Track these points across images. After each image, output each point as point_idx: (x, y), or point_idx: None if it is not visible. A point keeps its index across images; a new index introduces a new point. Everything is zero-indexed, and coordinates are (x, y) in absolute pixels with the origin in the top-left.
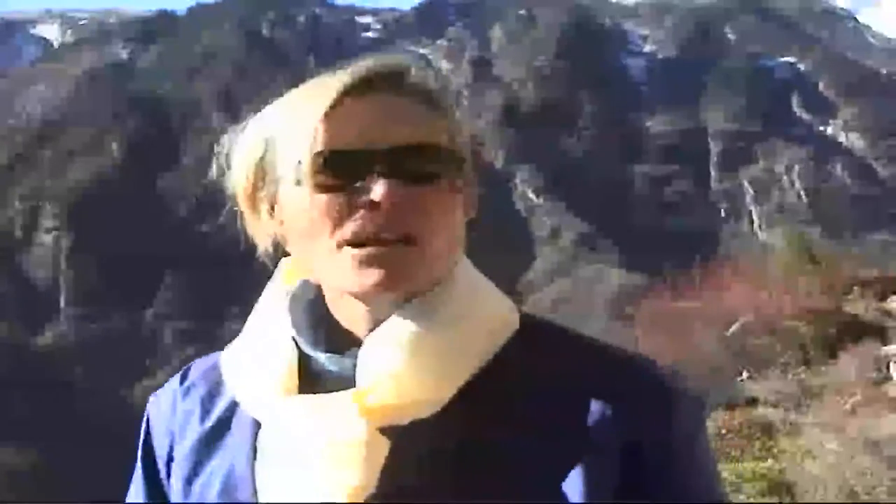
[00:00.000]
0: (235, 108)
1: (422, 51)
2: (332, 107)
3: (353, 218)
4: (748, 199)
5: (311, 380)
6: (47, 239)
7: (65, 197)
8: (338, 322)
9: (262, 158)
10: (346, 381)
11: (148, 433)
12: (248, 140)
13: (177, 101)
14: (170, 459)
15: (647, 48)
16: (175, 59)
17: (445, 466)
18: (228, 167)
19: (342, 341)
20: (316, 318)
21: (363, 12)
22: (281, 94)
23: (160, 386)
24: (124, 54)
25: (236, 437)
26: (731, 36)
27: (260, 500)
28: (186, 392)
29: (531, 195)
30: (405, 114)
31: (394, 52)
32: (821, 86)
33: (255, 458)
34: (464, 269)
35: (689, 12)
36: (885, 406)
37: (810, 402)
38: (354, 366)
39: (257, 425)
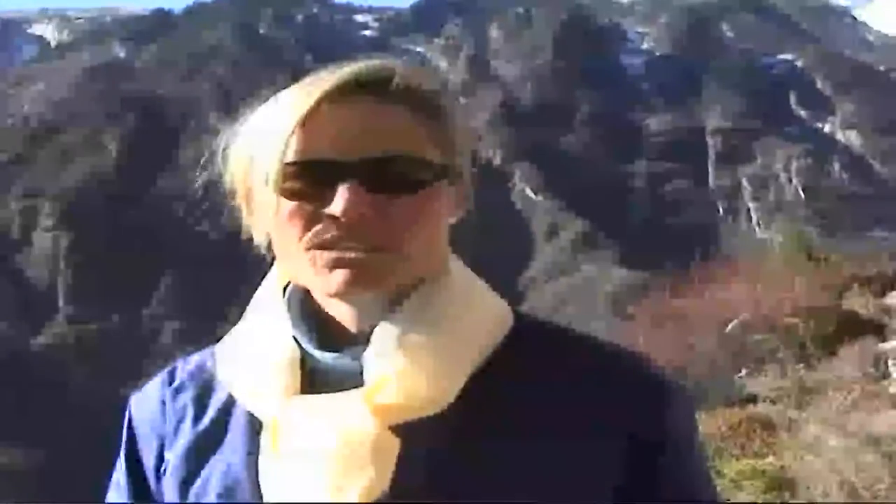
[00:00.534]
0: (233, 106)
1: (419, 49)
2: (311, 112)
3: (318, 227)
4: (746, 196)
5: (310, 377)
6: (45, 238)
7: (62, 196)
8: (329, 320)
9: (248, 159)
10: (346, 379)
11: (132, 436)
12: (237, 140)
13: (174, 100)
14: (160, 463)
15: (645, 46)
16: (172, 58)
17: (447, 465)
18: (224, 166)
19: (337, 339)
20: (309, 315)
21: (360, 11)
22: (278, 93)
23: None
24: (121, 53)
25: (233, 438)
26: (728, 33)
27: (266, 500)
28: (175, 393)
29: (529, 193)
30: (384, 121)
31: (391, 50)
32: (818, 83)
33: (255, 457)
34: (457, 269)
35: (685, 10)
36: (885, 402)
37: (810, 398)
38: (354, 363)
39: (255, 424)
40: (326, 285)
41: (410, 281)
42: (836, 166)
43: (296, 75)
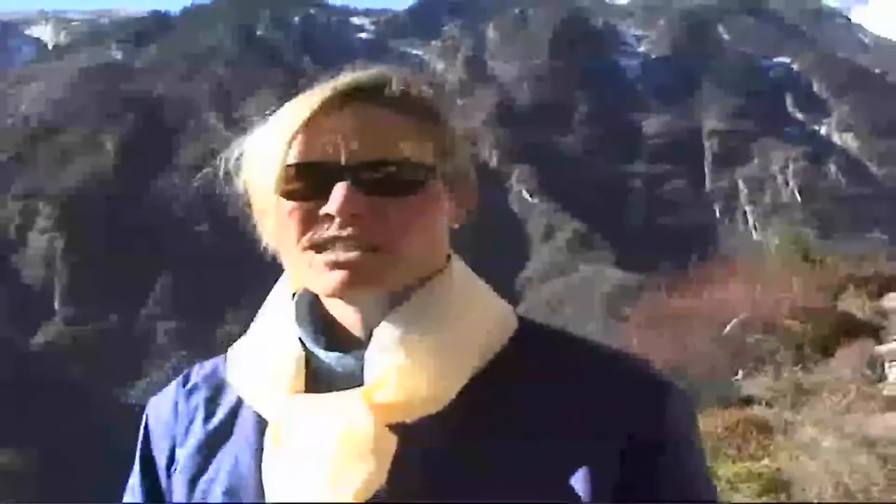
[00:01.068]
0: (230, 108)
1: (416, 51)
2: (312, 119)
3: (316, 227)
4: (743, 198)
5: (315, 378)
6: (42, 239)
7: (59, 197)
8: (337, 324)
9: (254, 166)
10: (350, 380)
11: (147, 437)
12: (245, 149)
13: (171, 101)
14: (170, 463)
15: (642, 48)
16: (170, 60)
17: (446, 465)
18: (236, 174)
19: (342, 340)
20: (316, 317)
21: (357, 13)
22: (275, 94)
23: (154, 385)
24: (119, 55)
25: (240, 437)
26: (724, 36)
27: (268, 498)
28: (188, 395)
29: (526, 195)
30: (380, 125)
31: (388, 52)
32: (815, 85)
33: (260, 456)
34: (459, 270)
35: (682, 12)
36: (880, 404)
37: (806, 400)
38: (358, 364)
39: (262, 424)
40: (323, 285)
41: (410, 282)
42: (833, 168)
43: (293, 76)
